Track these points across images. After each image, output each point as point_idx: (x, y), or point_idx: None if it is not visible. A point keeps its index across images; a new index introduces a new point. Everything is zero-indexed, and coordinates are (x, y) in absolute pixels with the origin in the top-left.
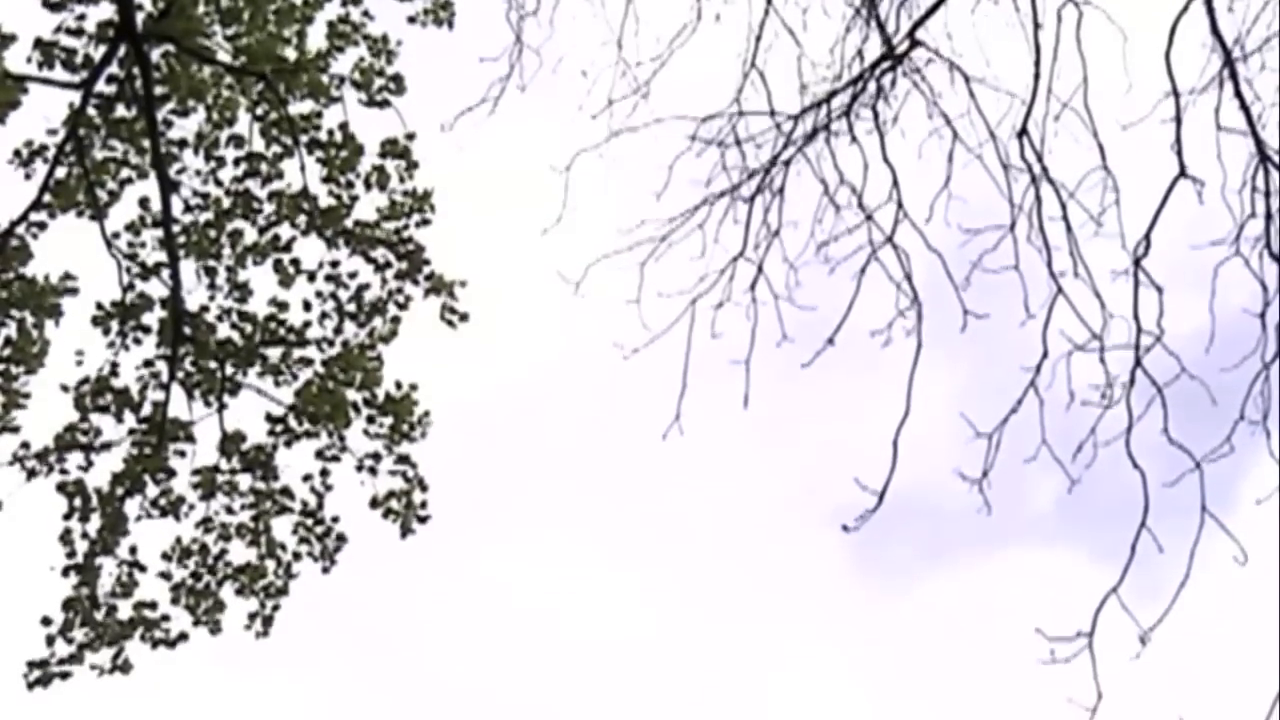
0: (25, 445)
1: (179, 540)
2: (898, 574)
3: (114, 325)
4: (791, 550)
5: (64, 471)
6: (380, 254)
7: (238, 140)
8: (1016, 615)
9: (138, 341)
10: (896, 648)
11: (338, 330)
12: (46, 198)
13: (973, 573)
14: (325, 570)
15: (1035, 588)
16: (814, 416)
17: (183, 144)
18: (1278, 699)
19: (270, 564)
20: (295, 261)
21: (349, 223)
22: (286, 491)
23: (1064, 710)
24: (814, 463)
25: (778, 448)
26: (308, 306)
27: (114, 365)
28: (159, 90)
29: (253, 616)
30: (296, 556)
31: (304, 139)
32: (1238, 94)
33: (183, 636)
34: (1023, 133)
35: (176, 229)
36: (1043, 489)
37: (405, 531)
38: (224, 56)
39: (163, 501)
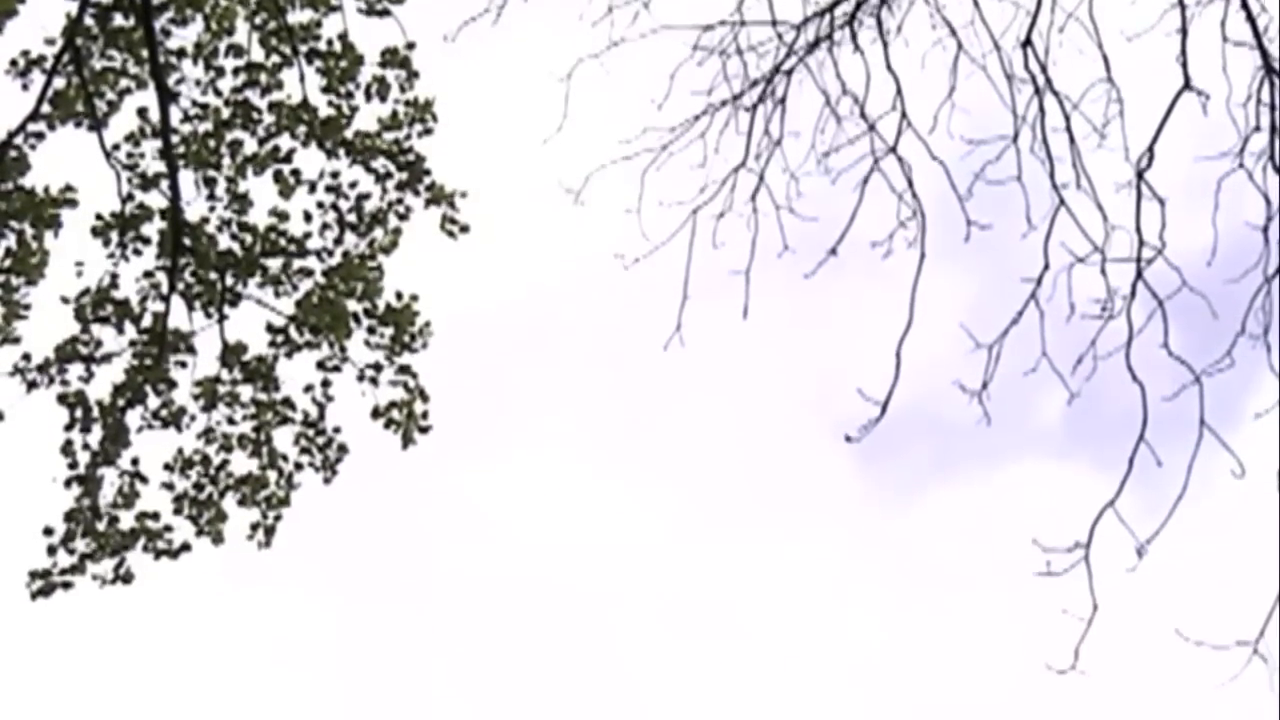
0: (26, 357)
1: (180, 451)
2: (904, 487)
3: (114, 236)
4: (798, 463)
5: (65, 383)
6: (380, 164)
7: (236, 50)
8: (1020, 527)
9: (138, 253)
10: (901, 559)
11: (338, 241)
12: (45, 108)
13: (977, 486)
14: (327, 481)
15: (1039, 501)
16: (816, 327)
17: (181, 54)
18: (1274, 612)
19: (272, 475)
20: (295, 172)
21: (349, 133)
22: (288, 402)
23: (1060, 621)
24: (818, 374)
25: (781, 359)
26: (308, 217)
27: (114, 277)
28: None
29: (255, 527)
30: (298, 467)
31: (303, 49)
32: (1244, 6)
33: (185, 547)
34: (1027, 43)
35: (176, 140)
36: (1049, 403)
37: (406, 442)
38: None
39: (164, 413)
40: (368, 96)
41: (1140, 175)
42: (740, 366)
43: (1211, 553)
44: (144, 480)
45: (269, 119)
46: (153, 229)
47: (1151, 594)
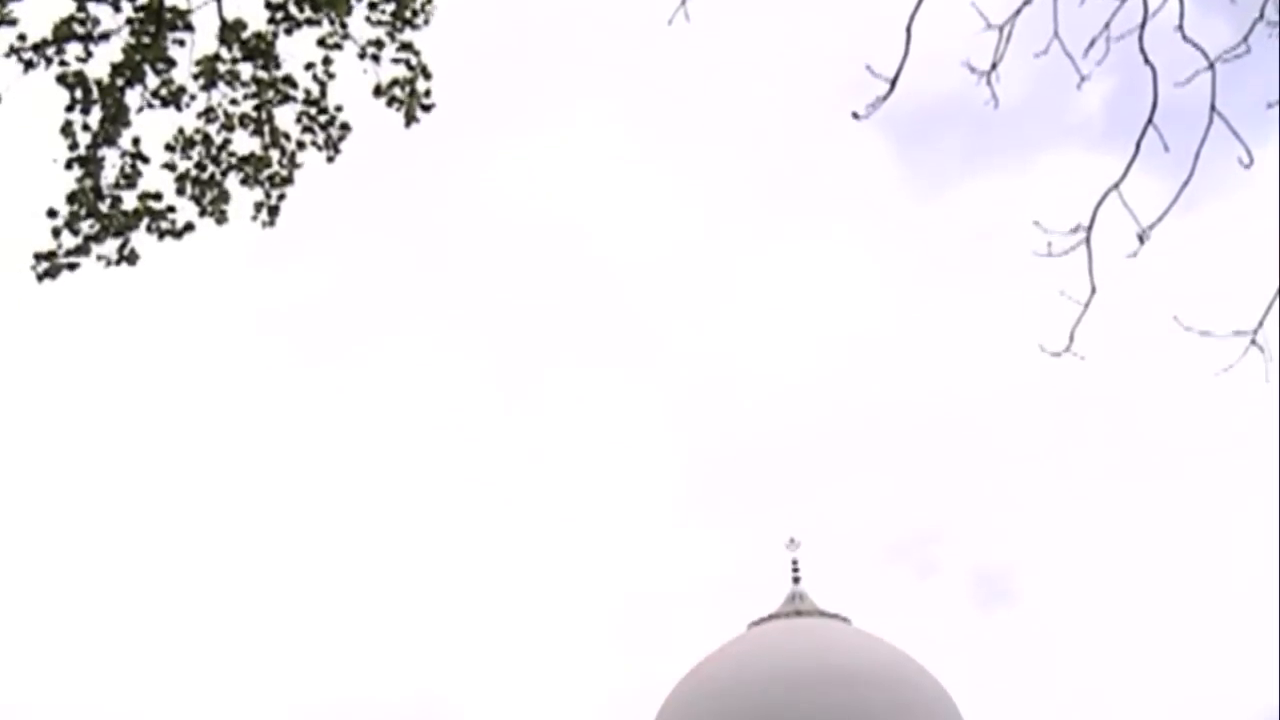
0: (22, 37)
1: (181, 131)
2: (938, 175)
3: None
4: (833, 150)
5: (63, 63)
6: None
7: None
8: (1046, 217)
9: None
10: (926, 245)
11: None
12: None
13: (1011, 175)
14: (330, 160)
15: (1071, 190)
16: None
17: None
18: (1274, 303)
19: (274, 153)
20: None
21: None
22: (289, 80)
23: (1057, 303)
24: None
25: (800, 36)
26: None
27: None
28: None
29: (259, 206)
30: (300, 146)
31: None
32: None
33: (189, 227)
34: None
35: None
36: (1087, 92)
37: (409, 120)
38: None
39: (163, 92)
40: None
41: None
42: (759, 46)
43: (1214, 242)
44: (145, 161)
45: None
46: None
47: (1151, 281)
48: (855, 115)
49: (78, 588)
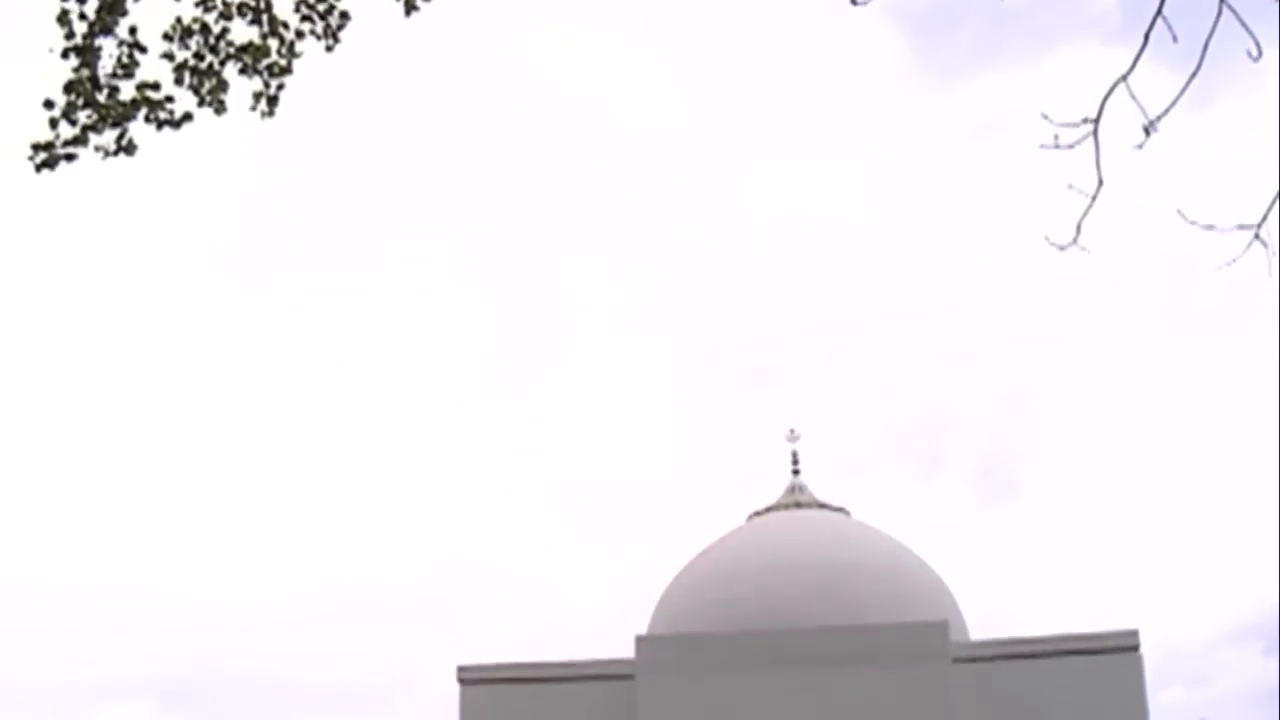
0: None
1: (179, 20)
2: (954, 68)
3: None
4: (840, 39)
5: None
6: None
7: None
8: (1059, 110)
9: None
10: (937, 135)
11: None
12: None
13: (1027, 69)
14: (329, 49)
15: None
16: None
17: None
18: (1278, 199)
19: (273, 42)
20: None
21: None
22: None
23: (1065, 196)
24: None
25: None
26: None
27: None
28: None
29: (257, 96)
30: (299, 35)
31: None
32: None
33: (187, 117)
34: None
35: None
36: None
37: (409, 9)
38: None
39: None
40: None
41: None
42: None
43: (1222, 137)
44: (143, 50)
45: None
46: None
47: (1158, 174)
48: (854, 1)
49: (87, 469)
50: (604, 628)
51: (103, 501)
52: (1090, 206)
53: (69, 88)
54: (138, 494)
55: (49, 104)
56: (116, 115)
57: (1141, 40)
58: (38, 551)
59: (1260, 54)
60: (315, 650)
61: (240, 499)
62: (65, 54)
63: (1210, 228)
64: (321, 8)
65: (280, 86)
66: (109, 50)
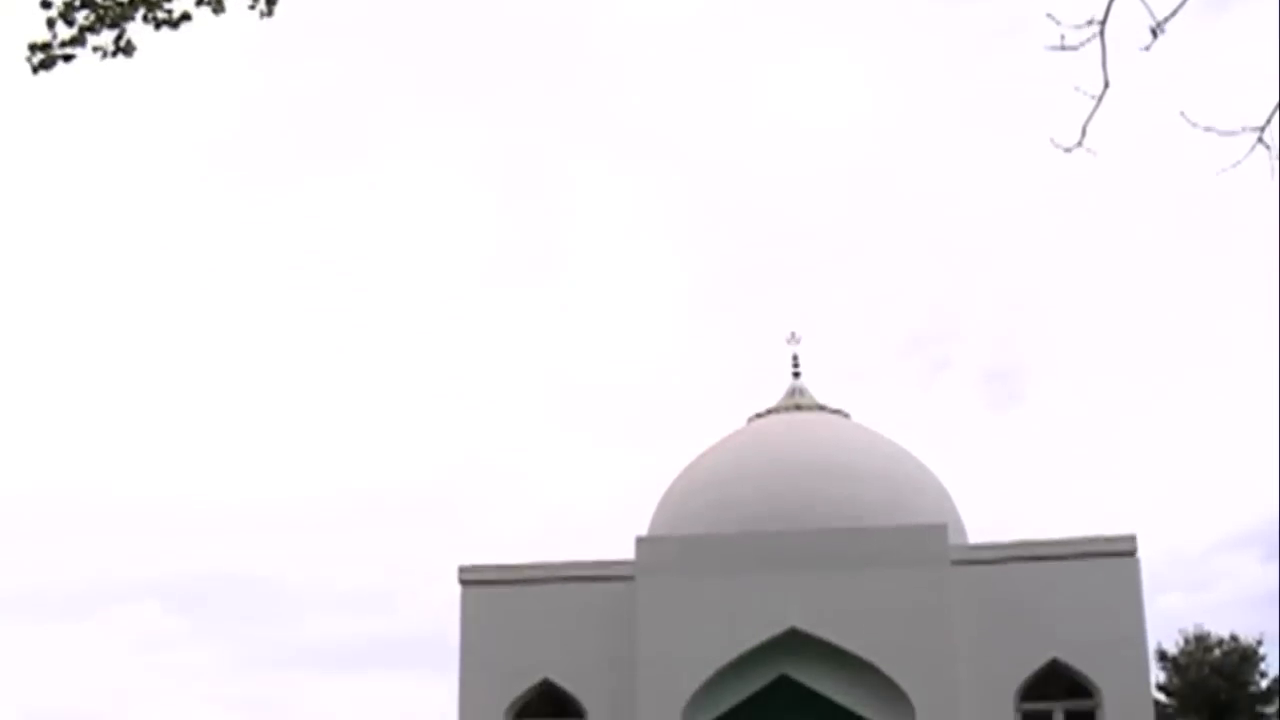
0: None
1: None
2: None
3: None
4: None
5: None
6: None
7: None
8: (1061, 8)
9: None
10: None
11: None
12: None
13: None
14: None
15: None
16: None
17: None
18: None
19: None
20: None
21: None
22: None
23: (1072, 98)
24: None
25: None
26: None
27: None
28: None
29: None
30: None
31: None
32: None
33: (185, 17)
34: None
35: None
36: None
37: None
38: None
39: None
40: None
41: None
42: None
43: (1229, 40)
44: None
45: None
46: None
47: (1164, 77)
48: None
49: (92, 375)
50: (605, 529)
51: (107, 407)
52: (1096, 109)
53: None
54: (141, 400)
55: (46, 3)
56: (114, 15)
57: None
58: (43, 456)
59: None
60: (318, 553)
61: (244, 404)
62: None
63: (1211, 129)
64: None
65: None
66: None
